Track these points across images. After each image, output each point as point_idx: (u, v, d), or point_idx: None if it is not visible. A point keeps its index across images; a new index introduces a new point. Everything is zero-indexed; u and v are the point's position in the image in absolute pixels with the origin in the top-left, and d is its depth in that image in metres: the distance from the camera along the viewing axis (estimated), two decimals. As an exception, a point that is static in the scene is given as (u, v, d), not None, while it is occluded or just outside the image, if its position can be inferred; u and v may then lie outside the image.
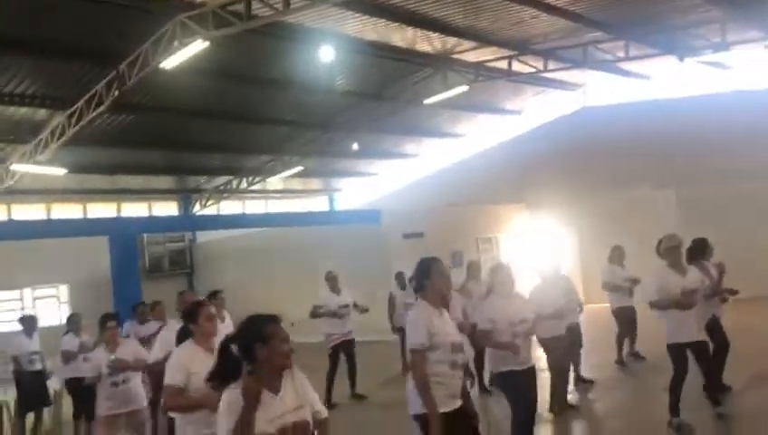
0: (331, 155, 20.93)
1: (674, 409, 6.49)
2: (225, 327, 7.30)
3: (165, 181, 20.51)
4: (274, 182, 21.72)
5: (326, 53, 12.94)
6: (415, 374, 4.30)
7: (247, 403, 2.94)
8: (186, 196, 21.44)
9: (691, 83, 18.23)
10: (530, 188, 21.38)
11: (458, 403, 4.36)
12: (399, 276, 11.44)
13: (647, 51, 14.46)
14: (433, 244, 17.81)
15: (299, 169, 20.35)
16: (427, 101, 15.84)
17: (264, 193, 22.89)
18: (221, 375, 3.16)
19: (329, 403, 8.74)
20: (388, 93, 16.49)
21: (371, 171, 24.75)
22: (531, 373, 5.72)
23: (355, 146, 19.21)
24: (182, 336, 4.64)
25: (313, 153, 19.80)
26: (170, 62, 10.73)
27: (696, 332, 6.48)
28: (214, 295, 7.77)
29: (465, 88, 15.47)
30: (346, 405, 9.24)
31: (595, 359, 9.60)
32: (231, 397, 3.02)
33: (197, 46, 10.14)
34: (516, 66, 15.49)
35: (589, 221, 18.69)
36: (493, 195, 20.95)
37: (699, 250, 7.65)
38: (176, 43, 10.28)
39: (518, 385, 5.60)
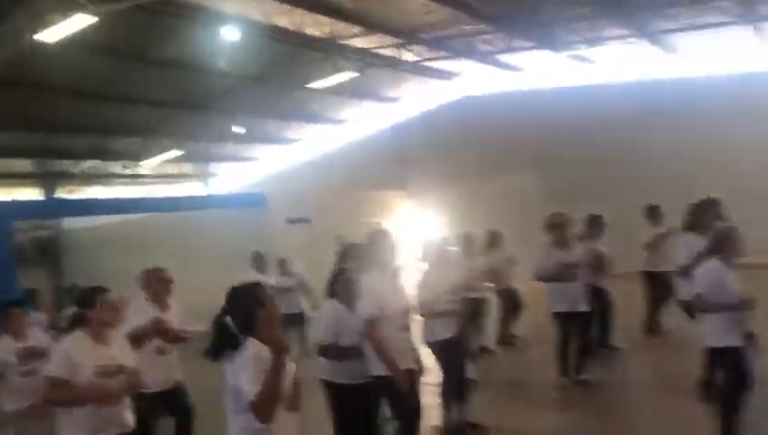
0: (210, 139, 20.31)
1: (564, 371, 6.97)
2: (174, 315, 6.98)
3: (27, 165, 19.11)
4: (146, 167, 20.79)
5: (210, 34, 12.53)
6: (372, 341, 4.62)
7: (279, 359, 3.19)
8: (50, 180, 20.06)
9: (559, 75, 19.27)
10: (411, 175, 21.89)
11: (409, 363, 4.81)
12: (282, 263, 11.22)
13: (526, 44, 15.11)
14: (319, 229, 17.87)
15: (178, 153, 19.59)
16: (314, 85, 15.70)
17: (136, 178, 21.87)
18: (218, 350, 3.34)
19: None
20: (274, 77, 16.20)
21: (250, 156, 24.28)
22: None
23: (239, 129, 18.74)
24: (74, 323, 4.36)
25: (192, 136, 19.13)
26: (47, 36, 9.95)
27: (578, 303, 6.99)
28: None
29: (354, 74, 15.49)
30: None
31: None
32: (250, 355, 3.23)
33: (82, 21, 9.47)
34: (403, 54, 15.71)
35: (465, 207, 19.37)
36: (376, 182, 21.24)
37: (595, 226, 8.29)
38: (54, 16, 9.54)
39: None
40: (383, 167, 21.79)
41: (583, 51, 15.73)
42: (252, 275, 9.68)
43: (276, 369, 3.18)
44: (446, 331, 6.01)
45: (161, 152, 19.46)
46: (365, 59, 15.67)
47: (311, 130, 22.84)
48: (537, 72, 19.32)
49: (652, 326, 9.58)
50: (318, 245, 16.89)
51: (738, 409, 4.89)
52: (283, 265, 10.97)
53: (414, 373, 4.98)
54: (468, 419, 6.25)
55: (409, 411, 4.84)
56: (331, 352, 4.86)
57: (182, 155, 20.13)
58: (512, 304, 10.29)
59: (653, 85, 18.03)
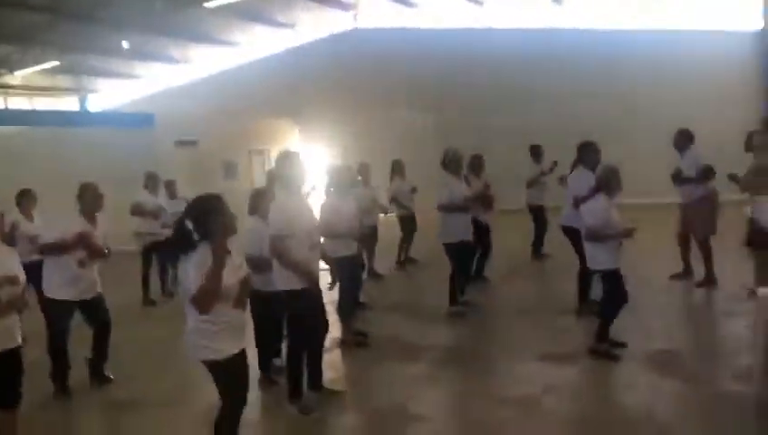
0: (92, 51, 19.28)
1: (453, 298, 7.65)
2: (35, 228, 6.94)
3: None
4: (19, 77, 19.50)
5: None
6: (281, 257, 4.90)
7: (219, 259, 3.57)
8: None
9: (453, 16, 19.76)
10: (300, 103, 21.89)
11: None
12: (170, 185, 11.04)
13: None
14: (206, 153, 17.70)
15: (54, 63, 18.50)
16: (209, 4, 15.28)
17: (7, 89, 20.48)
18: (176, 247, 3.71)
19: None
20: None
21: (133, 73, 23.27)
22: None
23: (125, 44, 17.92)
24: None
25: (73, 48, 18.10)
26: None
27: (469, 234, 7.64)
28: (22, 194, 7.50)
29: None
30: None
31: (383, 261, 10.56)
32: (199, 258, 3.60)
33: None
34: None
35: (354, 138, 19.75)
36: (264, 107, 21.09)
37: (478, 165, 8.93)
38: None
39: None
40: (273, 93, 21.66)
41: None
42: (144, 196, 9.67)
43: (216, 267, 3.55)
44: (346, 250, 6.48)
45: (38, 63, 18.30)
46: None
47: (200, 51, 22.17)
48: (433, 11, 19.66)
49: (535, 253, 10.65)
50: (204, 167, 16.83)
51: (613, 318, 5.81)
52: (170, 188, 10.84)
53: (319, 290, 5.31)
54: (362, 330, 6.86)
55: (313, 327, 5.21)
56: (255, 263, 5.17)
57: (59, 66, 19.02)
58: (410, 229, 10.94)
59: (544, 33, 18.94)
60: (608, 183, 5.76)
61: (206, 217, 3.65)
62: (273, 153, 21.18)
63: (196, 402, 5.31)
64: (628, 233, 5.66)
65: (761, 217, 6.28)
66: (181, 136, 17.11)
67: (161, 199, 10.07)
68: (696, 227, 8.21)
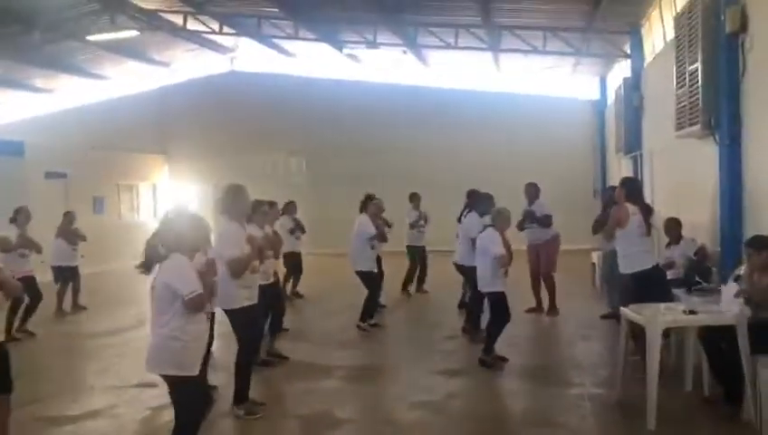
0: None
1: (364, 317, 8.56)
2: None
3: None
4: None
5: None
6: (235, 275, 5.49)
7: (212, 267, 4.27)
8: None
9: (329, 67, 20.91)
10: (172, 141, 22.01)
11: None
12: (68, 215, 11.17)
13: (309, 35, 16.36)
14: (75, 186, 17.34)
15: None
16: (93, 38, 15.30)
17: None
18: (149, 265, 4.10)
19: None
20: (43, 22, 15.31)
21: (-9, 100, 22.23)
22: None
23: (-5, 70, 17.27)
24: None
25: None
26: None
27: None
28: None
29: (135, 33, 15.39)
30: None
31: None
32: (183, 261, 4.04)
33: None
34: (190, 23, 15.99)
35: (227, 177, 20.06)
36: (134, 143, 20.97)
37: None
38: None
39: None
40: (144, 129, 21.62)
41: (357, 51, 17.41)
42: (11, 232, 9.31)
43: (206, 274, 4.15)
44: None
45: None
46: (151, 21, 15.64)
47: (66, 82, 21.59)
48: (310, 60, 20.68)
49: (417, 288, 11.81)
50: (72, 200, 16.47)
51: (498, 334, 6.86)
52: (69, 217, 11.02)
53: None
54: (277, 352, 7.44)
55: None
56: None
57: None
58: (296, 266, 11.69)
59: (411, 90, 20.56)
60: (499, 222, 6.94)
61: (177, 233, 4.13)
62: (142, 188, 21.13)
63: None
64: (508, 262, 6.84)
65: None
66: (51, 167, 16.70)
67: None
68: (542, 264, 9.69)
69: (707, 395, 5.60)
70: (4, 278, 4.03)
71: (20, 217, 9.56)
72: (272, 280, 7.12)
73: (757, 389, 4.80)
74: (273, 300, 7.19)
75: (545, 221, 9.59)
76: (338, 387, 6.56)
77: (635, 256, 6.32)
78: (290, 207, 11.62)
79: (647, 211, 6.40)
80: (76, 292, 11.41)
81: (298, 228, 11.55)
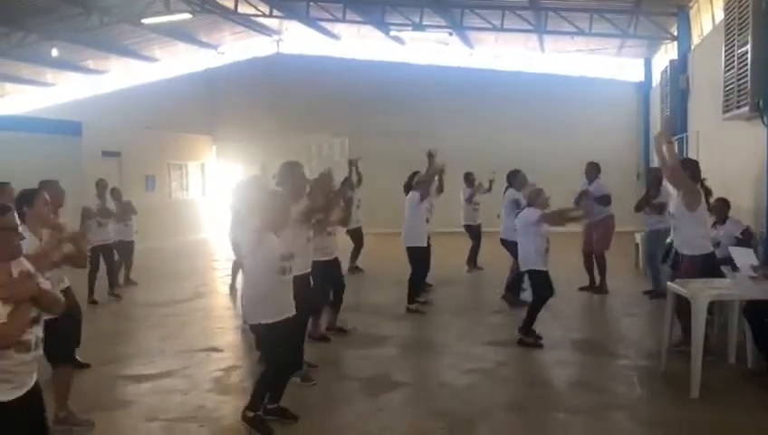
0: (14, 57, 19.05)
1: (411, 298, 8.84)
2: None
3: None
4: None
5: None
6: None
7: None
8: None
9: (373, 50, 21.19)
10: (219, 122, 22.54)
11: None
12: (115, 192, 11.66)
13: (356, 17, 16.65)
14: (128, 165, 17.99)
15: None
16: (147, 21, 15.79)
17: None
18: None
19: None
20: (100, 5, 15.88)
21: (46, 81, 23.01)
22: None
23: (55, 52, 17.93)
24: None
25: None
26: None
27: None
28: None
29: (188, 16, 15.85)
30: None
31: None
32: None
33: None
34: (240, 7, 16.40)
35: (272, 158, 20.54)
36: (184, 123, 21.55)
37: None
38: None
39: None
40: (193, 110, 22.20)
41: (403, 33, 17.63)
42: (92, 202, 10.22)
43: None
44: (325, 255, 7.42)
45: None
46: (203, 5, 16.08)
47: (117, 63, 22.27)
48: (354, 43, 20.96)
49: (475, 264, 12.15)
50: (126, 179, 17.12)
51: (538, 311, 7.11)
52: (115, 194, 11.52)
53: None
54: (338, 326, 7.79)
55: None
56: None
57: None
58: (359, 240, 12.25)
59: (455, 72, 20.72)
60: (535, 200, 7.19)
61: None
62: (191, 167, 21.77)
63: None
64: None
65: None
66: (106, 146, 17.34)
67: (109, 204, 10.61)
68: (596, 242, 9.87)
69: (750, 368, 5.82)
70: (43, 292, 3.05)
71: (98, 188, 10.42)
72: (333, 256, 7.40)
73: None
74: (335, 276, 7.49)
75: (603, 201, 9.71)
76: (393, 355, 6.94)
77: (700, 238, 6.17)
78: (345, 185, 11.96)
79: (709, 194, 6.45)
80: (129, 267, 11.91)
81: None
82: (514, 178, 9.34)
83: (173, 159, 20.66)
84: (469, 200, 12.08)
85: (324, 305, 7.51)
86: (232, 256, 10.62)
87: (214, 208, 20.89)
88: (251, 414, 4.72)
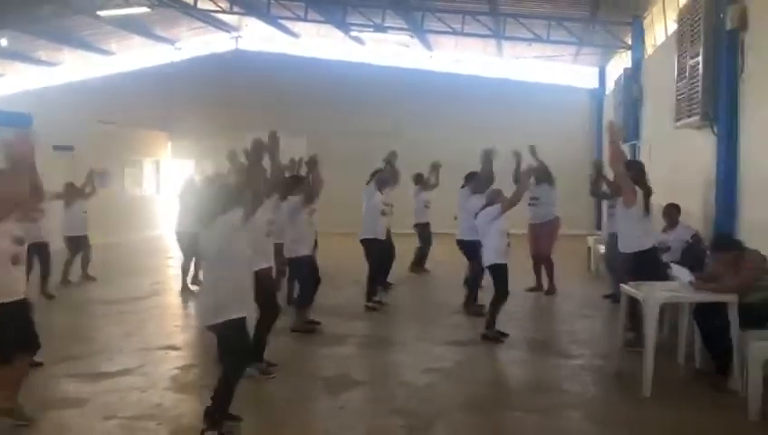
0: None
1: (369, 296, 8.90)
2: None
3: None
4: None
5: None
6: None
7: None
8: None
9: (332, 49, 21.20)
10: (175, 118, 22.17)
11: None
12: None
13: (318, 17, 16.63)
14: (81, 159, 17.57)
15: None
16: (104, 13, 15.49)
17: None
18: None
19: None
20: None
21: (-5, 72, 22.40)
22: None
23: (4, 42, 17.44)
24: None
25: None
26: None
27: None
28: None
29: (146, 9, 15.61)
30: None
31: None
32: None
33: None
34: (200, 2, 16.23)
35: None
36: (139, 119, 21.17)
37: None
38: None
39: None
40: (149, 105, 21.79)
41: (364, 34, 17.69)
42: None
43: None
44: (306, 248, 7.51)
45: None
46: (162, -2, 15.86)
47: (71, 56, 21.77)
48: (313, 42, 20.93)
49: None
50: (78, 174, 16.73)
51: (499, 308, 7.32)
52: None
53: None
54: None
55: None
56: None
57: None
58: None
59: (414, 74, 20.89)
60: (495, 200, 7.47)
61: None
62: (146, 164, 21.39)
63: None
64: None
65: None
66: (57, 140, 16.93)
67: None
68: (540, 244, 10.13)
69: (699, 367, 6.04)
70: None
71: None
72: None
73: (744, 361, 5.24)
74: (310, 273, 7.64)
75: (542, 171, 10.00)
76: (353, 354, 6.99)
77: (635, 236, 6.60)
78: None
79: (648, 194, 6.77)
80: (86, 262, 11.70)
81: None
82: (474, 180, 9.16)
83: (128, 154, 20.29)
84: (418, 197, 12.13)
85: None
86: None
87: (169, 205, 20.60)
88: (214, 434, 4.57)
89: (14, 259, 4.68)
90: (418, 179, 12.41)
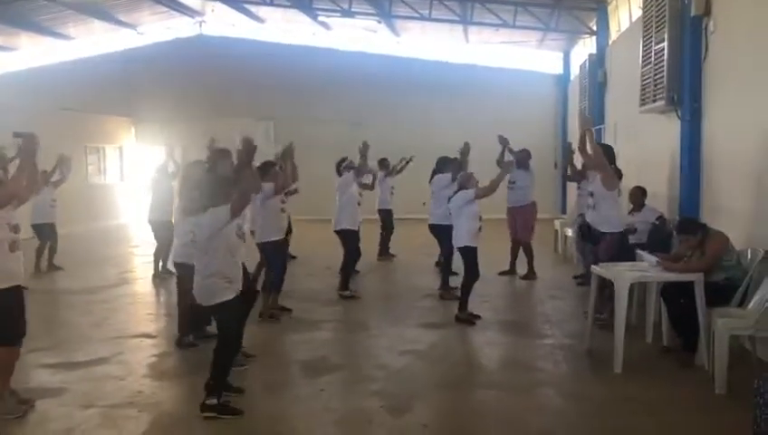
0: None
1: (344, 285, 8.91)
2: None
3: None
4: None
5: None
6: None
7: None
8: None
9: (298, 34, 21.06)
10: (139, 104, 21.78)
11: None
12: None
13: (283, 2, 16.48)
14: (42, 147, 17.18)
15: None
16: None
17: None
18: None
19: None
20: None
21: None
22: None
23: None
24: None
25: None
26: None
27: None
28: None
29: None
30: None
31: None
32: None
33: None
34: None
35: (193, 141, 20.12)
36: (101, 105, 20.79)
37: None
38: None
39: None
40: (111, 91, 21.37)
41: (331, 19, 17.58)
42: None
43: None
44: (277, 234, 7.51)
45: None
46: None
47: (29, 40, 21.20)
48: (279, 27, 20.75)
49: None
50: (39, 162, 16.40)
51: (470, 290, 7.47)
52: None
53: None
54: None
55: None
56: None
57: None
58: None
59: (382, 59, 20.86)
60: (467, 183, 7.59)
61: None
62: (109, 150, 21.03)
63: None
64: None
65: None
66: (17, 127, 16.54)
67: None
68: (519, 231, 10.29)
69: (666, 345, 6.24)
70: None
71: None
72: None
73: (710, 337, 5.43)
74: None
75: (523, 156, 10.29)
76: (329, 338, 7.06)
77: (615, 217, 6.88)
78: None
79: (619, 178, 6.94)
80: (52, 252, 11.53)
81: None
82: (446, 165, 9.16)
83: (90, 141, 19.92)
84: (383, 183, 12.19)
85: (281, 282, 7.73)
86: (153, 242, 10.49)
87: (133, 193, 20.33)
88: (213, 402, 4.75)
89: (11, 246, 4.77)
90: (383, 165, 12.46)
